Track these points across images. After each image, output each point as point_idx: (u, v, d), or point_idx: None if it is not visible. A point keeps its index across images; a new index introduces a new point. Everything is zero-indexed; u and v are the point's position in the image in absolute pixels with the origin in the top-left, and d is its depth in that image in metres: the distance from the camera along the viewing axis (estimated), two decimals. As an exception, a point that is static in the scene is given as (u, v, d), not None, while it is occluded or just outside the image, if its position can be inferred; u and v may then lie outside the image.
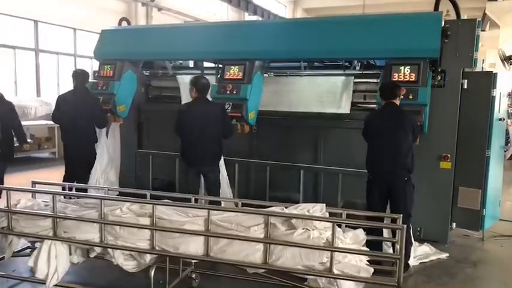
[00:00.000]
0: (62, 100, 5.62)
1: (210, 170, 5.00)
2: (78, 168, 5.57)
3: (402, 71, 4.72)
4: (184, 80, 6.33)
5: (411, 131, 4.24)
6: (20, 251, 4.12)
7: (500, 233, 5.61)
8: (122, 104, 5.98)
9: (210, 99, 5.17)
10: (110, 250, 3.55)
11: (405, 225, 3.09)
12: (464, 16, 5.09)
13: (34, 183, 4.37)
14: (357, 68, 5.65)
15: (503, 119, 5.58)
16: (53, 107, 5.77)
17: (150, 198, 4.02)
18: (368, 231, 3.83)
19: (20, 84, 11.08)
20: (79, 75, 5.59)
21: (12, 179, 7.89)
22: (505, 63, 8.46)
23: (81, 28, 12.15)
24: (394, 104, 4.35)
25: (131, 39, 6.39)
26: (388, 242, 4.33)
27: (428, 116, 4.72)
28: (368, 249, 3.56)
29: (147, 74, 6.78)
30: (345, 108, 5.53)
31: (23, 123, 10.09)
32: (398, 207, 4.14)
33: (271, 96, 5.77)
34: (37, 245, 3.75)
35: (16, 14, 10.52)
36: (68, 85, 5.89)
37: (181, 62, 6.91)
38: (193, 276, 3.94)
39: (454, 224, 5.21)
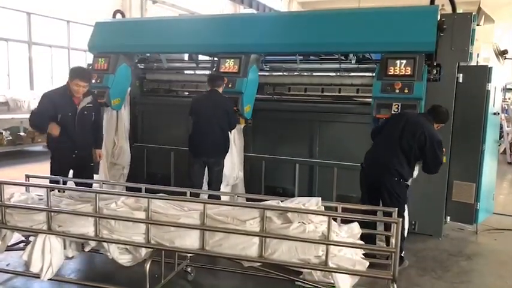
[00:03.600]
0: None
1: (214, 162, 5.06)
2: None
3: (398, 65, 4.72)
4: None
5: (418, 145, 4.14)
6: (14, 245, 4.10)
7: (493, 226, 5.66)
8: (116, 97, 5.94)
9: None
10: (104, 244, 3.53)
11: (400, 219, 3.08)
12: (459, 10, 5.09)
13: (28, 176, 4.34)
14: (353, 61, 5.64)
15: (498, 113, 5.61)
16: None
17: (145, 192, 4.00)
18: (362, 224, 3.84)
19: (13, 77, 10.98)
20: None
21: (5, 173, 7.85)
22: (499, 57, 8.46)
23: (74, 20, 12.04)
24: (423, 116, 4.33)
25: (126, 31, 6.34)
26: (381, 237, 4.34)
27: (424, 109, 4.72)
28: (363, 243, 3.57)
29: (142, 67, 6.73)
30: None
31: (16, 116, 10.13)
32: (387, 206, 4.12)
33: None
34: (31, 239, 3.72)
35: (9, 6, 10.41)
36: (61, 77, 5.76)
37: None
38: (189, 270, 3.95)
39: (448, 218, 5.25)
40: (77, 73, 4.60)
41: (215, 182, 5.09)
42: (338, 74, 5.71)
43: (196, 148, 5.09)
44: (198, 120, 5.08)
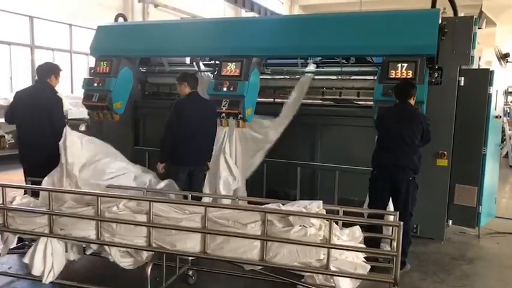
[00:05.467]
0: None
1: (199, 169, 4.98)
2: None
3: (399, 68, 4.72)
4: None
5: (420, 133, 4.24)
6: (15, 248, 4.11)
7: (496, 230, 5.64)
8: (118, 100, 5.94)
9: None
10: (106, 247, 3.54)
11: (402, 223, 3.08)
12: (461, 13, 5.09)
13: (29, 180, 4.34)
14: (353, 64, 5.64)
15: (500, 117, 5.60)
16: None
17: (147, 195, 4.00)
18: (367, 228, 3.84)
19: (15, 80, 11.02)
20: (41, 70, 4.94)
21: (7, 176, 7.86)
22: (501, 61, 8.45)
23: (77, 24, 12.09)
24: (408, 103, 4.35)
25: (128, 35, 6.35)
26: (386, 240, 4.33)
27: (425, 113, 4.72)
28: (365, 246, 3.57)
29: (144, 70, 6.75)
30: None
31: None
32: (400, 206, 4.15)
33: None
34: (33, 242, 3.73)
35: (11, 9, 10.46)
36: (63, 81, 5.68)
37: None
38: (190, 273, 3.94)
39: (450, 221, 5.23)
40: (58, 66, 4.99)
41: (199, 187, 4.99)
42: (339, 77, 5.71)
43: (182, 157, 4.75)
44: (184, 126, 4.71)
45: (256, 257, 3.25)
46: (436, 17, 4.82)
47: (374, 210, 4.10)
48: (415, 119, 4.26)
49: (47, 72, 4.86)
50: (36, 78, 4.96)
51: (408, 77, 4.66)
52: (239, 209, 3.55)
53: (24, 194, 4.22)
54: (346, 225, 3.66)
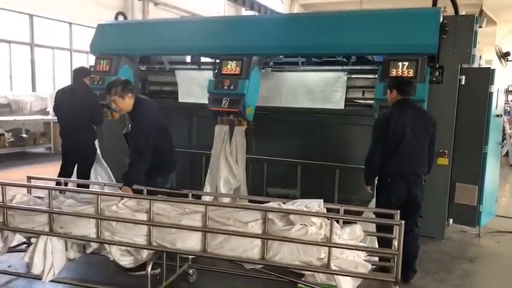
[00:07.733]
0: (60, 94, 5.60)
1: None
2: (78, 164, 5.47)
3: (400, 67, 4.71)
4: (182, 75, 6.31)
5: (431, 138, 4.05)
6: (15, 246, 4.10)
7: (496, 229, 5.63)
8: (118, 99, 5.92)
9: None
10: (106, 246, 3.53)
11: (403, 222, 3.08)
12: (461, 12, 5.08)
13: (29, 178, 4.34)
14: (353, 63, 5.63)
15: (500, 116, 5.59)
16: (48, 102, 5.74)
17: (147, 194, 4.00)
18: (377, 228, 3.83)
19: (15, 78, 11.01)
20: (77, 72, 5.63)
21: (7, 174, 7.86)
22: (502, 59, 8.43)
23: (77, 22, 12.08)
24: (414, 102, 4.18)
25: (128, 33, 6.34)
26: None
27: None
28: (365, 245, 3.56)
29: (144, 69, 6.73)
30: (339, 104, 5.51)
31: (18, 118, 10.15)
32: (415, 209, 4.07)
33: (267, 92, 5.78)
34: (33, 240, 3.72)
35: (11, 7, 10.44)
36: (63, 79, 5.79)
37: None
38: (190, 272, 3.94)
39: (450, 220, 5.22)
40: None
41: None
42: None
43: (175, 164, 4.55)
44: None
45: (257, 256, 3.24)
46: (437, 16, 4.81)
47: (376, 209, 4.08)
48: (427, 121, 4.06)
49: (84, 74, 5.60)
50: (73, 78, 5.67)
51: (409, 75, 4.64)
52: (239, 208, 3.54)
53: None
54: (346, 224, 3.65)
